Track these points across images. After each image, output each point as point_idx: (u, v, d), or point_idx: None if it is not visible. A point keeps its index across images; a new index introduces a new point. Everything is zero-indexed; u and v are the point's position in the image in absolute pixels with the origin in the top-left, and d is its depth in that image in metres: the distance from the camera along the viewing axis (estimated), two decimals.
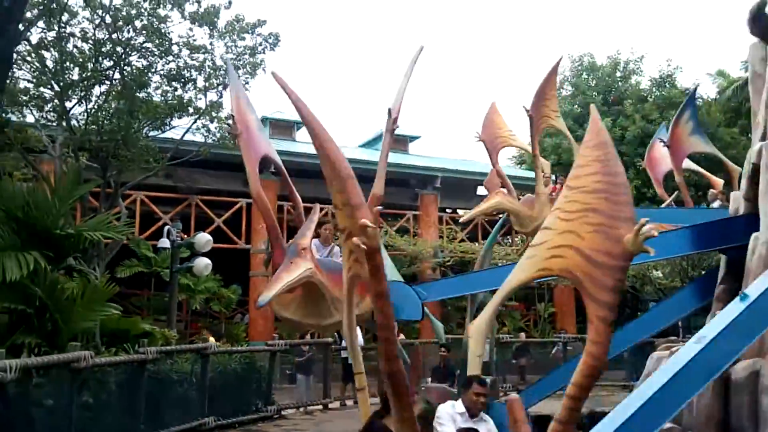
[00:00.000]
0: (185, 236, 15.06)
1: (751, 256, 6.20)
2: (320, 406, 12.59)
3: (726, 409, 5.57)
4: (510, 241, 24.51)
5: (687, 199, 11.53)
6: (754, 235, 6.24)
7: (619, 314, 7.27)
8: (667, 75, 29.00)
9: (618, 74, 29.53)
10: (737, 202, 7.20)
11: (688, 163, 12.14)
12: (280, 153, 22.11)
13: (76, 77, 12.52)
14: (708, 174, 11.96)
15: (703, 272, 13.43)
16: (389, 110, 5.90)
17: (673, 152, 11.13)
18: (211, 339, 12.79)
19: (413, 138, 27.95)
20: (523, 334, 17.75)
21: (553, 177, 11.58)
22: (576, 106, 28.87)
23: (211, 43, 13.58)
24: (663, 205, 11.95)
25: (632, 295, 18.15)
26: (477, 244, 22.20)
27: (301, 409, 12.26)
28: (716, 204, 11.39)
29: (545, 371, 10.84)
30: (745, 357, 6.01)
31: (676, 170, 11.24)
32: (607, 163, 3.61)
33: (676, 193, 14.02)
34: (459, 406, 5.12)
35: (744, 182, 6.99)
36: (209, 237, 13.71)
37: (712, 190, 11.92)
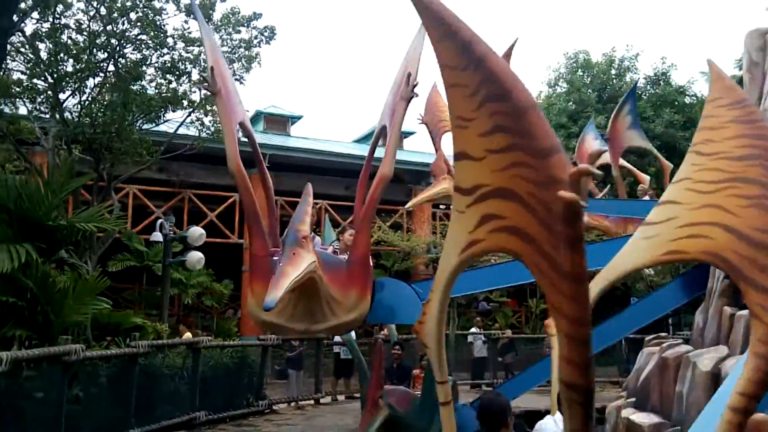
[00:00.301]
0: (178, 230, 15.01)
1: None
2: (312, 401, 12.61)
3: None
4: None
5: (622, 193, 11.48)
6: None
7: (610, 312, 7.21)
8: (661, 73, 29.02)
9: (613, 71, 29.52)
10: None
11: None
12: (275, 147, 21.96)
13: (70, 69, 12.45)
14: (634, 169, 11.91)
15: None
16: (408, 74, 5.04)
17: (612, 145, 11.11)
18: (187, 334, 12.69)
19: (407, 134, 27.93)
20: (509, 331, 17.76)
21: None
22: (571, 102, 28.85)
23: None
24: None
25: (623, 292, 18.20)
26: None
27: (293, 404, 12.27)
28: (646, 198, 11.48)
29: None
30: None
31: (613, 163, 11.19)
32: (753, 124, 3.01)
33: (609, 186, 14.02)
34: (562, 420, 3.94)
35: None
36: (202, 231, 13.67)
37: (642, 186, 11.95)
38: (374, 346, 6.89)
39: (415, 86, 5.05)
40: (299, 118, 26.97)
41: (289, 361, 13.76)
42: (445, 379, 3.40)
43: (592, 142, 11.87)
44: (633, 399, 6.87)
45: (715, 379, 5.69)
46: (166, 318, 12.92)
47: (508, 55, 10.30)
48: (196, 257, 13.26)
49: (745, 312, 6.02)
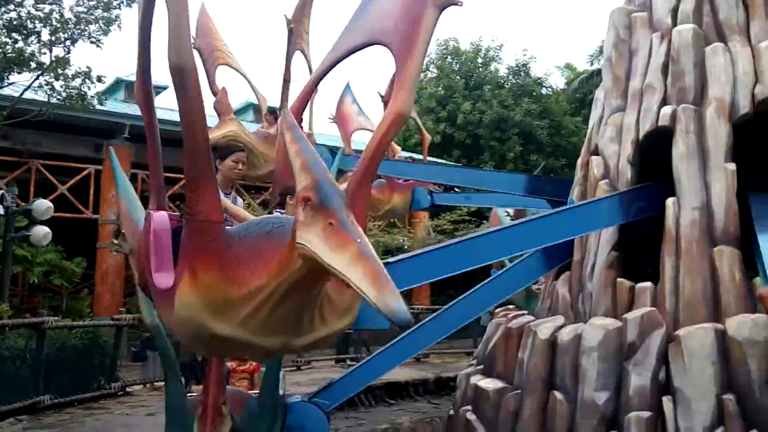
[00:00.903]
0: (22, 203, 13.87)
1: (674, 222, 6.08)
2: None
3: (552, 369, 6.09)
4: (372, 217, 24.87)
5: None
6: (671, 200, 6.15)
7: (472, 286, 7.44)
8: (522, 64, 30.69)
9: (479, 60, 30.81)
10: (600, 167, 7.06)
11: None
12: (137, 118, 20.84)
13: None
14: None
15: None
16: None
17: (342, 129, 11.75)
18: None
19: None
20: None
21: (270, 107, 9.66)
22: (440, 88, 29.80)
23: None
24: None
25: (483, 268, 19.21)
26: None
27: (149, 385, 11.83)
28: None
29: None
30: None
31: (346, 144, 11.67)
32: None
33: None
34: None
35: (628, 147, 6.75)
36: (49, 204, 12.72)
37: (398, 156, 13.08)
38: None
39: None
40: (165, 88, 25.63)
41: (147, 341, 13.20)
42: None
43: (350, 105, 12.29)
44: (481, 366, 7.30)
45: (552, 346, 6.17)
46: (6, 297, 11.97)
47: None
48: (41, 232, 12.34)
49: (647, 284, 6.06)
